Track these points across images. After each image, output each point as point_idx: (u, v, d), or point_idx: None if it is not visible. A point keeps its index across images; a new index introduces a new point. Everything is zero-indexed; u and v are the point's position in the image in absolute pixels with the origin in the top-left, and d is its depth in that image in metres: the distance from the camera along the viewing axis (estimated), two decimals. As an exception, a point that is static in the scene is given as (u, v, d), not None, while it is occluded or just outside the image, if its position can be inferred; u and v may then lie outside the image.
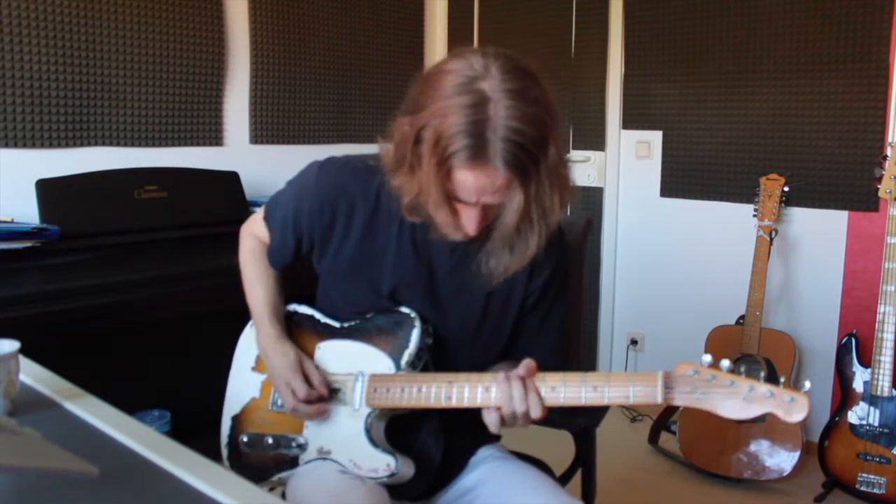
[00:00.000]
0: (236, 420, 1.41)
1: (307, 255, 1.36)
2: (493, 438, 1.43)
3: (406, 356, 1.24)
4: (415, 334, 1.25)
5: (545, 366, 1.17)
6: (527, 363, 1.14)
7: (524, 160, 1.05)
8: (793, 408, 1.00)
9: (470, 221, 1.13)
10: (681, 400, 1.05)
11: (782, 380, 1.04)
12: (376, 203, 1.26)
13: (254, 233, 1.44)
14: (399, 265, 1.27)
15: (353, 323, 1.32)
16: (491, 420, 1.16)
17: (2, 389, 1.04)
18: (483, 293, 1.27)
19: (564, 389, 1.11)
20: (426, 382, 1.20)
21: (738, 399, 1.02)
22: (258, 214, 1.43)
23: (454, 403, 1.18)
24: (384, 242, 1.27)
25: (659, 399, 1.05)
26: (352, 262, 1.29)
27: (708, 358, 1.06)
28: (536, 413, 1.12)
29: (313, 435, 1.31)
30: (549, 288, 1.31)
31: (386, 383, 1.24)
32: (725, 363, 1.05)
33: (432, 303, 1.28)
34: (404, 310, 1.27)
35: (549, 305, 1.33)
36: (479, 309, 1.28)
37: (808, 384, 1.03)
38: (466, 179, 1.06)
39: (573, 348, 1.70)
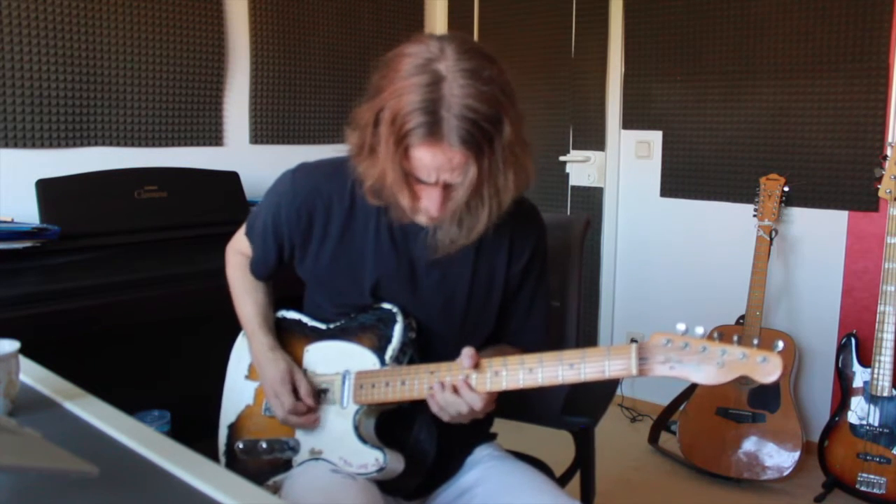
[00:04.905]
0: (232, 428, 1.42)
1: (288, 262, 1.37)
2: (490, 436, 1.44)
3: (390, 351, 1.26)
4: (397, 329, 1.26)
5: (537, 343, 1.17)
6: (467, 353, 1.15)
7: (479, 136, 1.06)
8: (766, 368, 0.99)
9: (432, 202, 1.13)
10: (656, 370, 1.04)
11: (755, 341, 1.04)
12: (351, 201, 1.28)
13: (238, 249, 1.46)
14: (379, 260, 1.28)
15: (339, 324, 1.33)
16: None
17: (2, 389, 1.04)
18: (465, 282, 1.28)
19: (542, 370, 1.12)
20: (409, 375, 1.22)
21: (712, 365, 1.01)
22: (240, 232, 1.45)
23: None
24: (363, 239, 1.28)
25: (634, 371, 1.05)
26: (333, 262, 1.30)
27: (682, 326, 1.05)
28: (477, 405, 1.15)
29: (305, 436, 1.32)
30: (532, 267, 1.33)
31: (371, 379, 1.25)
32: (699, 329, 1.04)
33: (415, 295, 1.29)
34: (386, 306, 1.28)
35: (536, 284, 1.35)
36: (463, 298, 1.29)
37: (781, 344, 1.02)
38: (424, 157, 1.08)
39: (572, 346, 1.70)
